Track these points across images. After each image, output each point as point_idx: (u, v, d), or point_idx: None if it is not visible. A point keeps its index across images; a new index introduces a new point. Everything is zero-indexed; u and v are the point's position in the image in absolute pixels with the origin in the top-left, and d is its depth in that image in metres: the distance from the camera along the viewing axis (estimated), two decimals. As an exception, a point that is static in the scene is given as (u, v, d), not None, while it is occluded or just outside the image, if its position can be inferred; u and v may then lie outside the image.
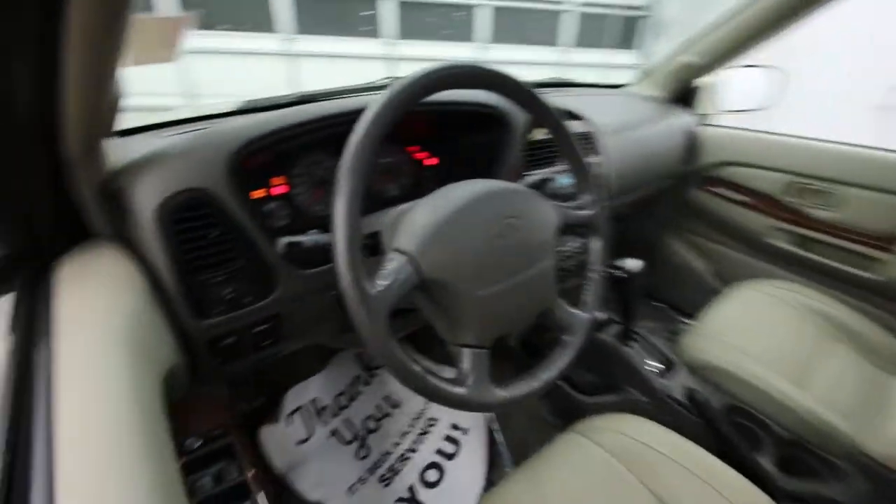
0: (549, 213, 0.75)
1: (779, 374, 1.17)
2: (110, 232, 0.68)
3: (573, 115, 1.27)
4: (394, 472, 1.25)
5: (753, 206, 1.79)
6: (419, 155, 1.12)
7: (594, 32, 7.20)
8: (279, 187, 0.94)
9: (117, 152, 0.71)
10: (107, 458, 0.38)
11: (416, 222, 0.62)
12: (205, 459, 0.62)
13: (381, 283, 0.55)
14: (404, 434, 1.35)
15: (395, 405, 1.42)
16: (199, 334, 0.73)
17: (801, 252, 1.71)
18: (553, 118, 0.77)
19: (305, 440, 1.33)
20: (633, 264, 1.19)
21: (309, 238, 0.73)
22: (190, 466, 0.60)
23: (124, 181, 0.67)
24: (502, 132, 1.05)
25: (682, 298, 2.12)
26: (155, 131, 0.93)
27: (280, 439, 1.31)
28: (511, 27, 6.78)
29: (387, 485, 1.23)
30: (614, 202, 1.55)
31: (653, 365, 1.25)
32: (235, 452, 0.63)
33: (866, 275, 1.58)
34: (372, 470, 1.26)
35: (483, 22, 6.59)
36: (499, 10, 6.60)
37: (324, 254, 0.65)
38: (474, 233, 0.62)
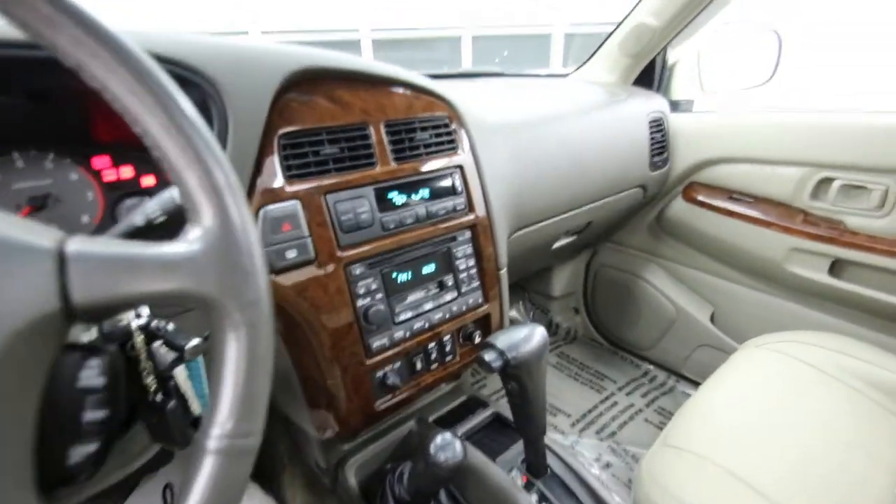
0: None
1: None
2: None
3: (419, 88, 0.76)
4: None
5: (758, 219, 1.21)
6: (112, 174, 0.61)
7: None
8: None
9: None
10: None
11: None
12: None
13: None
14: None
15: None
16: None
17: (837, 283, 1.12)
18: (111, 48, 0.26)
19: None
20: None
21: None
22: None
23: None
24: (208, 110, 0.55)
25: (667, 352, 1.51)
26: None
27: None
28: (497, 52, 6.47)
29: None
30: (522, 231, 1.01)
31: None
32: None
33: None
34: None
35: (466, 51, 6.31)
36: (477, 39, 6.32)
37: None
38: None
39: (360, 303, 0.66)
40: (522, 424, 0.69)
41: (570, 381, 1.54)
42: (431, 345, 0.76)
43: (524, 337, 0.64)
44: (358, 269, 0.66)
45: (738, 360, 0.96)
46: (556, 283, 1.70)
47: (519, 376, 0.64)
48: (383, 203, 0.68)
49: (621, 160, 1.18)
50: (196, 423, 0.51)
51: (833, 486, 0.67)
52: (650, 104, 1.28)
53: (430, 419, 0.88)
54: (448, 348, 0.79)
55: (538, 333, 0.66)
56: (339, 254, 0.63)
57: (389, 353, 0.70)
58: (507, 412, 0.88)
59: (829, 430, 0.76)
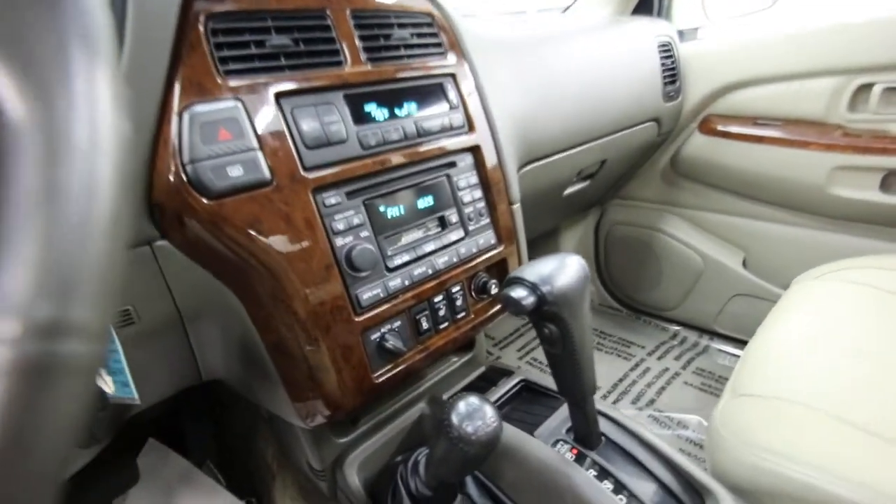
0: None
1: None
2: None
3: None
4: None
5: (792, 140, 1.07)
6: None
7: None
8: None
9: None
10: None
11: None
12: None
13: None
14: None
15: None
16: None
17: (892, 199, 0.98)
18: None
19: None
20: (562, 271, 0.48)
21: None
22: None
23: None
24: None
25: (695, 309, 1.36)
26: None
27: None
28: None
29: None
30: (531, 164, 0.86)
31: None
32: None
33: None
34: None
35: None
36: None
37: None
38: None
39: (339, 241, 0.50)
40: (567, 383, 0.53)
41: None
42: (438, 298, 0.60)
43: (558, 266, 0.49)
44: (332, 198, 0.50)
45: (796, 294, 0.82)
46: (564, 249, 1.55)
47: (559, 315, 0.48)
48: (359, 115, 0.53)
49: (633, 89, 1.04)
50: (106, 407, 0.35)
51: None
52: (656, 28, 1.14)
53: (445, 397, 0.72)
54: (459, 303, 0.63)
55: (575, 262, 0.50)
56: (303, 175, 0.47)
57: (385, 307, 0.54)
58: (537, 378, 0.73)
59: None
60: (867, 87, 0.97)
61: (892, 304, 0.73)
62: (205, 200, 0.41)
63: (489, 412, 0.44)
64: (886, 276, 0.79)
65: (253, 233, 0.44)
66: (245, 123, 0.44)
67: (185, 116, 0.41)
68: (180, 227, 0.43)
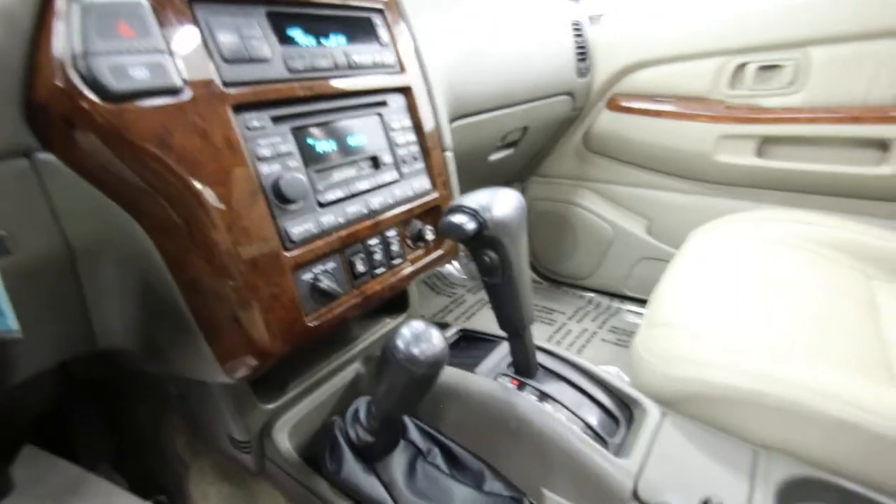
0: None
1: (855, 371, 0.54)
2: None
3: None
4: None
5: (684, 113, 1.19)
6: None
7: None
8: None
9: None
10: None
11: None
12: None
13: None
14: None
15: None
16: None
17: (765, 162, 1.14)
18: None
19: None
20: (498, 205, 0.48)
21: None
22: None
23: None
24: None
25: (607, 276, 1.48)
26: None
27: None
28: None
29: None
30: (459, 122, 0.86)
31: (590, 425, 0.54)
32: None
33: (872, 171, 1.03)
34: None
35: None
36: None
37: None
38: None
39: (265, 169, 0.46)
40: (506, 313, 0.53)
41: (517, 322, 1.44)
42: (373, 241, 0.58)
43: (495, 196, 0.49)
44: (256, 121, 0.46)
45: (690, 247, 0.93)
46: None
47: (499, 241, 0.48)
48: (284, 38, 0.49)
49: (549, 61, 1.09)
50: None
51: (827, 327, 0.66)
52: (569, 9, 1.21)
53: None
54: (395, 248, 0.61)
55: (512, 193, 0.51)
56: (221, 89, 0.42)
57: (319, 243, 0.50)
58: (475, 326, 0.73)
59: (800, 282, 0.77)
60: (743, 67, 1.11)
61: (763, 248, 0.86)
62: (100, 101, 0.35)
63: (435, 334, 0.43)
64: (759, 227, 0.92)
65: (160, 148, 0.38)
66: (150, 21, 0.38)
67: (76, 7, 0.35)
68: (69, 136, 0.36)
